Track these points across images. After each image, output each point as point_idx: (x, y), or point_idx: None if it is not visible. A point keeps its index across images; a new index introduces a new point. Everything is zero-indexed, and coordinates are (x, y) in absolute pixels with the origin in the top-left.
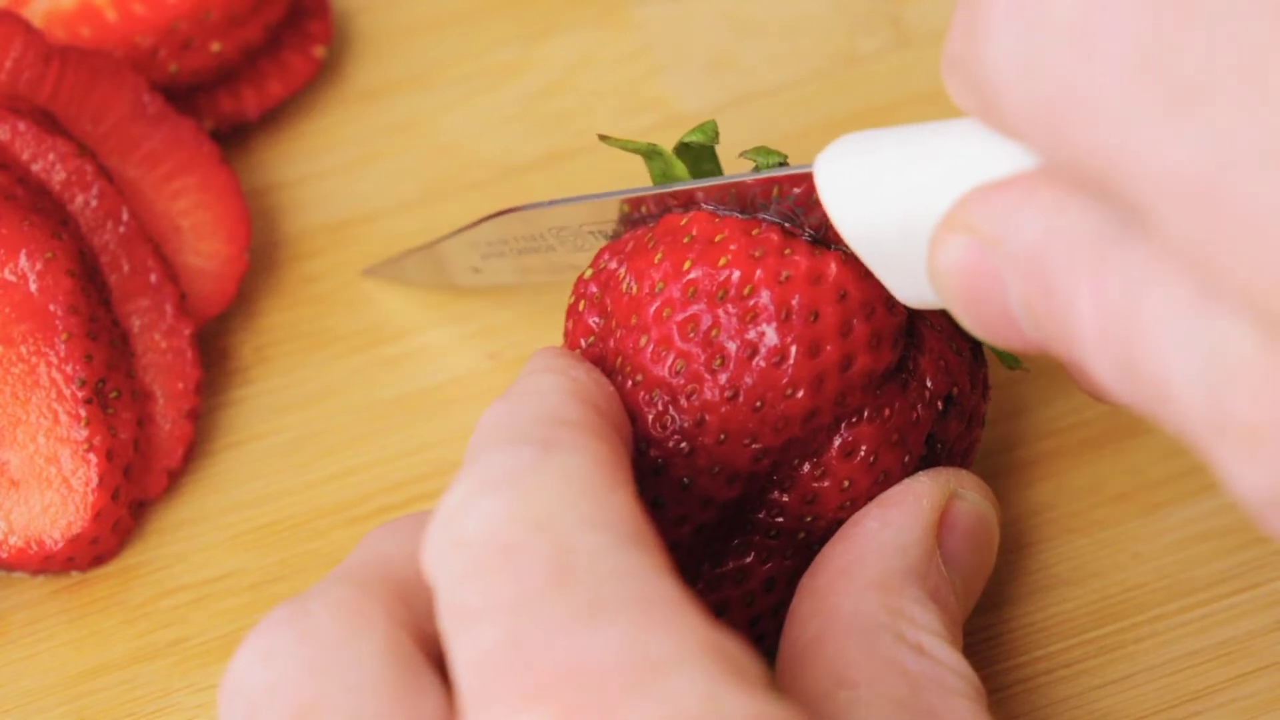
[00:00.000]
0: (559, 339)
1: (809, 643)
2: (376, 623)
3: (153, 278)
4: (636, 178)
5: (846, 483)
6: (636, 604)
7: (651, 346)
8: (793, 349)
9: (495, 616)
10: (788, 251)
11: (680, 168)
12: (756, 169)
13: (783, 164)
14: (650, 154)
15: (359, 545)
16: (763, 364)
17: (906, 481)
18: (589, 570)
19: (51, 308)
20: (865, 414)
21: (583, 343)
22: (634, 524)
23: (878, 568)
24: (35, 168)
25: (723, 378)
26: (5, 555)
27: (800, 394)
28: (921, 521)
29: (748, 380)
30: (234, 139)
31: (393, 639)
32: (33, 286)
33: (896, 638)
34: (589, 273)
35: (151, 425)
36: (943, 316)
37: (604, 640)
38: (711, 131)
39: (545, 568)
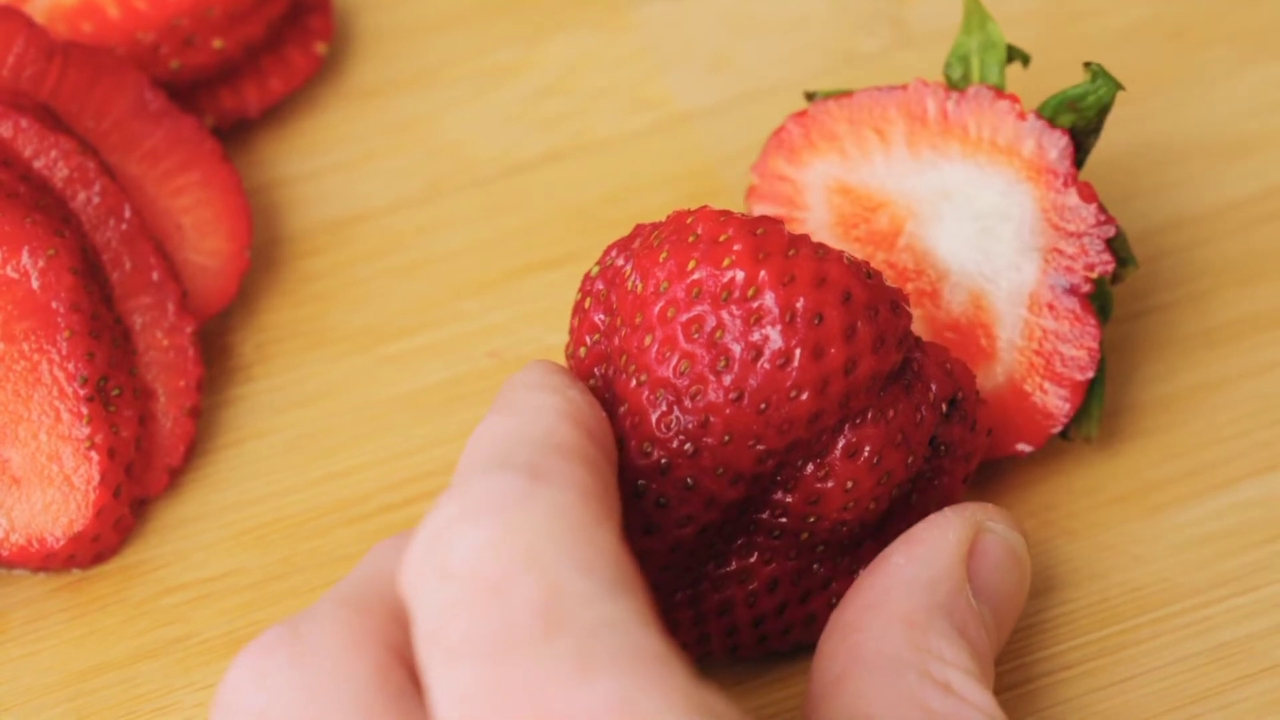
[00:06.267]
0: (560, 338)
1: (834, 679)
2: (368, 647)
3: (154, 275)
4: (640, 178)
5: (850, 484)
6: (624, 658)
7: (656, 346)
8: (797, 352)
9: (479, 657)
10: (792, 253)
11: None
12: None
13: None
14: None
15: (364, 559)
16: (767, 366)
17: (933, 517)
18: (577, 619)
19: (54, 305)
20: (869, 415)
21: (588, 340)
22: (619, 565)
23: (905, 603)
24: (37, 165)
25: (727, 379)
26: (6, 553)
27: (805, 396)
28: (949, 555)
29: (752, 382)
30: (235, 136)
31: (384, 664)
32: (35, 284)
33: (922, 675)
34: (596, 270)
35: (153, 423)
36: None
37: (591, 694)
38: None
39: (532, 611)
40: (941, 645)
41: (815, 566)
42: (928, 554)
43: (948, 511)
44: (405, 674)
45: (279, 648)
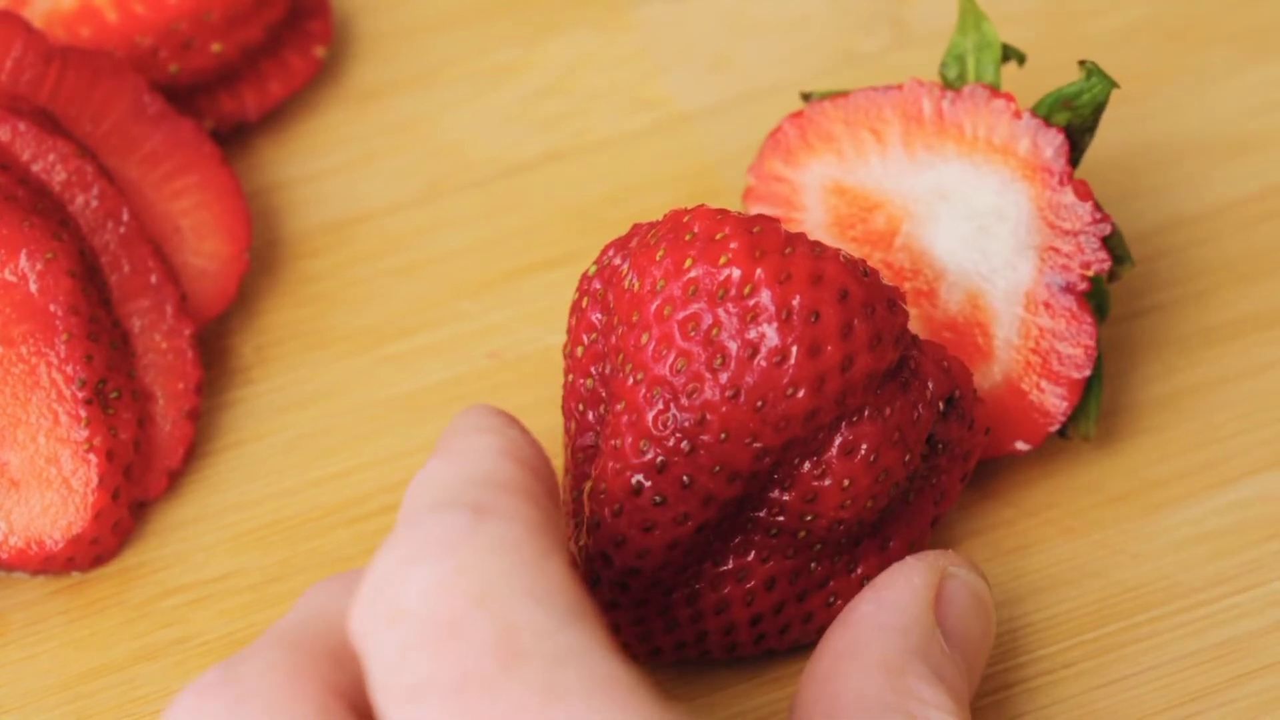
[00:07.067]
0: (559, 338)
1: None
2: (309, 690)
3: (153, 278)
4: (640, 178)
5: (847, 482)
6: (591, 686)
7: (652, 344)
8: (794, 349)
9: (441, 696)
10: (788, 251)
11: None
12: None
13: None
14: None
15: (301, 599)
16: (763, 364)
17: (896, 565)
18: (536, 650)
19: (52, 308)
20: (866, 413)
21: (585, 339)
22: (572, 594)
23: (880, 649)
24: (36, 168)
25: (723, 377)
26: (5, 555)
27: (801, 394)
28: (917, 601)
29: (748, 380)
30: (234, 139)
31: (325, 706)
32: (33, 287)
33: (906, 717)
34: (593, 269)
35: (152, 425)
36: None
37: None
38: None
39: (490, 647)
40: (921, 688)
41: (813, 565)
42: (896, 601)
43: (910, 559)
44: (348, 716)
45: (218, 691)
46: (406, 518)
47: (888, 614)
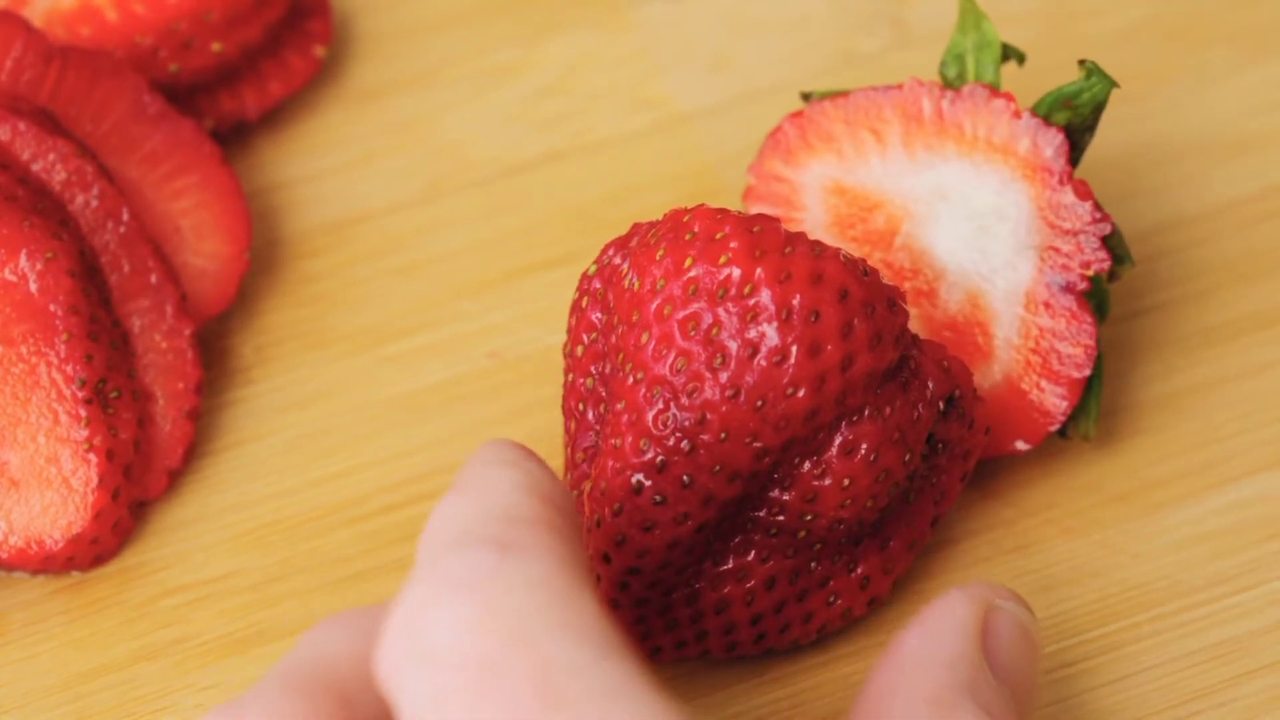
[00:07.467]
0: (559, 338)
1: None
2: None
3: (153, 278)
4: (640, 178)
5: (847, 481)
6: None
7: (652, 344)
8: (793, 349)
9: None
10: (788, 250)
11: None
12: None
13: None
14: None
15: (303, 640)
16: (763, 363)
17: (940, 599)
18: (578, 688)
19: (52, 308)
20: (866, 413)
21: (585, 339)
22: (606, 628)
23: (927, 685)
24: (36, 168)
25: (723, 376)
26: (5, 555)
27: (801, 393)
28: (964, 635)
29: (748, 379)
30: (234, 139)
31: None
32: (33, 287)
33: None
34: (593, 269)
35: (152, 425)
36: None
37: None
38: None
39: (530, 688)
40: None
41: (813, 565)
42: (941, 634)
43: (955, 592)
44: None
45: None
46: (428, 555)
47: (933, 648)
